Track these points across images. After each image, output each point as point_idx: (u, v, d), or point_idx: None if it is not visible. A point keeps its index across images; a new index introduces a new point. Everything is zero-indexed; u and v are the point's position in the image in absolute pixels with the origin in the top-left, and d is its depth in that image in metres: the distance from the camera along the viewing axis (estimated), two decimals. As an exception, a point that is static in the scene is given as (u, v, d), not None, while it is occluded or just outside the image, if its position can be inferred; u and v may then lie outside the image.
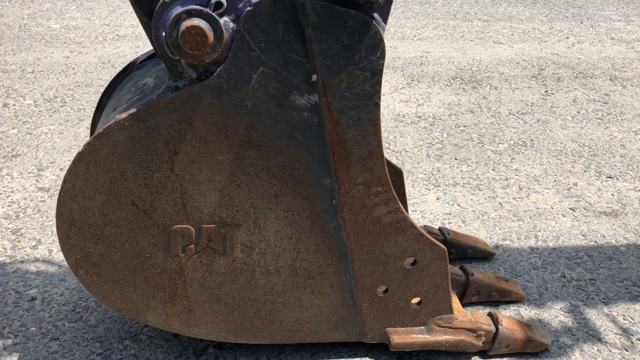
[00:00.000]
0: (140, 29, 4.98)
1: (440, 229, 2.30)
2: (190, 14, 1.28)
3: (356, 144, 1.50)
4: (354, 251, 1.63)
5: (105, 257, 1.54)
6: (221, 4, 1.29)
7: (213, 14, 1.29)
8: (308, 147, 1.48)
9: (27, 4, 5.67)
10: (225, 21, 1.32)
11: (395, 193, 1.59)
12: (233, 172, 1.49)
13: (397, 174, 2.11)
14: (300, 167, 1.50)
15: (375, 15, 1.37)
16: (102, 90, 3.77)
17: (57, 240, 2.29)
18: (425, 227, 2.28)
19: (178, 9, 1.28)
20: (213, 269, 1.60)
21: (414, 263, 1.69)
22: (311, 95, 1.42)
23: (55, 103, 3.54)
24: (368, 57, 1.40)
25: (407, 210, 2.18)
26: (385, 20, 1.39)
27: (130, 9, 5.65)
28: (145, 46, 4.63)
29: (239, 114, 1.43)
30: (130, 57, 4.38)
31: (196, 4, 1.30)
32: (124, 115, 1.40)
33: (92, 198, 1.47)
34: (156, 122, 1.41)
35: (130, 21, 5.26)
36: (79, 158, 1.43)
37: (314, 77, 1.40)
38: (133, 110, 1.40)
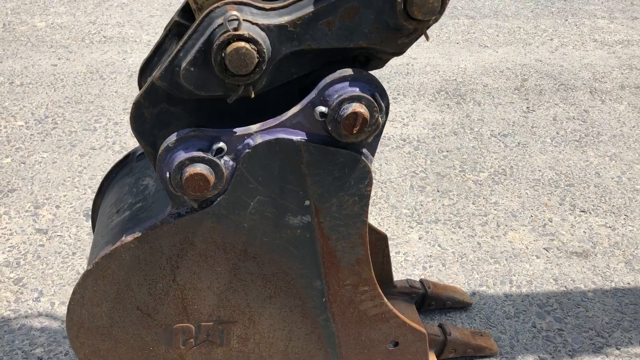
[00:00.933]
0: (127, 31, 4.96)
1: (421, 282, 2.45)
2: (193, 160, 1.37)
3: (345, 253, 1.62)
4: (341, 338, 1.78)
5: (112, 351, 1.67)
6: (222, 150, 1.39)
7: (215, 158, 1.38)
8: (301, 258, 1.60)
9: (9, -5, 5.58)
10: (225, 160, 1.41)
11: (380, 290, 1.73)
12: (230, 280, 1.61)
13: (381, 239, 2.24)
14: (293, 273, 1.63)
15: (364, 149, 1.47)
16: (92, 108, 3.81)
17: (58, 292, 2.41)
18: (407, 280, 2.43)
19: (182, 155, 1.37)
20: (211, 357, 1.74)
21: (396, 344, 1.84)
22: (304, 216, 1.54)
23: (47, 124, 3.58)
24: (357, 185, 1.51)
25: (391, 273, 2.32)
26: (373, 152, 1.49)
27: (116, 2, 5.59)
28: (132, 50, 4.63)
29: (236, 233, 1.54)
30: (118, 64, 4.39)
31: (198, 149, 1.39)
32: (129, 238, 1.51)
33: (99, 305, 1.59)
34: (159, 244, 1.52)
35: (117, 18, 5.22)
36: (88, 274, 1.54)
37: (307, 202, 1.51)
38: (138, 233, 1.50)
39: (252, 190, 1.47)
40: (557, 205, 3.18)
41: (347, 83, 1.38)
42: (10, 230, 2.74)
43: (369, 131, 1.39)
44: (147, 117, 1.43)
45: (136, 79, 4.14)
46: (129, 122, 1.45)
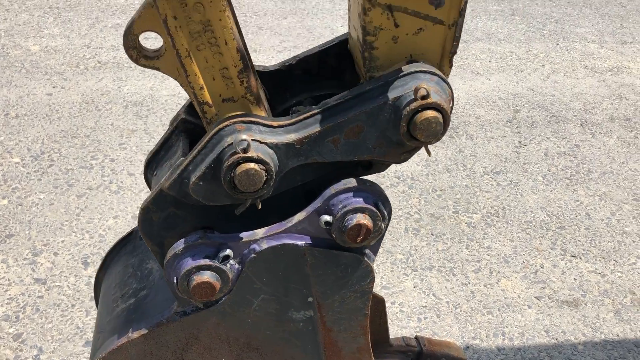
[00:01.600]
0: (121, 56, 4.95)
1: (417, 339, 2.51)
2: (200, 268, 1.40)
3: (346, 343, 1.67)
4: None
5: None
6: (229, 257, 1.42)
7: (221, 265, 1.41)
8: (303, 348, 1.65)
9: (2, 15, 5.54)
10: (231, 264, 1.45)
11: (378, 372, 1.78)
12: (234, 368, 1.65)
13: (379, 303, 2.29)
14: (295, 360, 1.67)
15: (367, 250, 1.51)
16: (87, 142, 3.82)
17: (58, 349, 2.44)
18: (403, 338, 2.48)
19: (189, 263, 1.41)
20: None
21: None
22: (307, 311, 1.58)
23: (43, 161, 3.59)
24: (359, 283, 1.55)
25: (387, 333, 2.37)
26: (375, 252, 1.53)
27: (110, 22, 5.57)
28: (127, 78, 4.63)
29: (240, 328, 1.57)
30: (114, 94, 4.40)
31: (205, 256, 1.42)
32: (136, 335, 1.54)
33: (106, 392, 1.62)
34: (165, 339, 1.55)
35: (111, 41, 5.21)
36: (95, 368, 1.57)
37: (310, 299, 1.55)
38: (144, 330, 1.54)
39: (257, 290, 1.50)
40: (549, 249, 3.24)
41: (351, 194, 1.41)
42: (9, 280, 2.76)
43: (372, 238, 1.43)
44: (155, 220, 1.46)
45: (132, 111, 4.16)
46: (137, 224, 1.48)
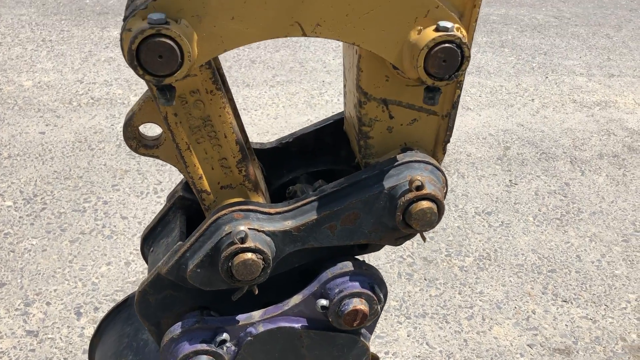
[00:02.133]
0: (114, 91, 4.97)
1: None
2: (197, 353, 1.41)
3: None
4: None
5: None
6: (225, 340, 1.43)
7: (218, 349, 1.42)
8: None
9: (-5, 49, 5.55)
10: (227, 347, 1.45)
11: None
12: None
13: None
14: None
15: (363, 330, 1.52)
16: (80, 184, 3.82)
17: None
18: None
19: (186, 347, 1.41)
20: None
21: None
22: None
23: (36, 204, 3.58)
24: (354, 361, 1.56)
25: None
26: (371, 331, 1.55)
27: (103, 56, 5.60)
28: (120, 115, 4.64)
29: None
30: (106, 132, 4.40)
31: (202, 340, 1.43)
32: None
33: None
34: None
35: (104, 76, 5.22)
36: None
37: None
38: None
39: (254, 372, 1.51)
40: (540, 294, 3.27)
41: (347, 277, 1.43)
42: (0, 332, 2.74)
43: (368, 321, 1.45)
44: (152, 302, 1.47)
45: (125, 149, 4.16)
46: (134, 306, 1.49)
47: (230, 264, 1.31)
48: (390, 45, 1.21)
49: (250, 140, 1.61)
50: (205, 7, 1.11)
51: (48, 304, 2.91)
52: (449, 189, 4.14)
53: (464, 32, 1.20)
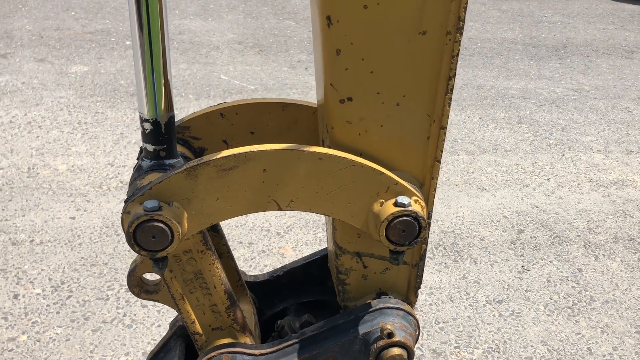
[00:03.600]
0: (143, 175, 5.25)
1: None
2: None
3: None
4: None
5: None
6: None
7: None
8: None
9: (35, 132, 5.95)
10: None
11: None
12: None
13: None
14: None
15: None
16: (105, 271, 4.03)
17: None
18: None
19: None
20: None
21: None
22: None
23: (62, 292, 3.79)
24: None
25: None
26: None
27: (134, 138, 5.93)
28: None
29: None
30: (132, 217, 4.64)
31: None
32: None
33: None
34: None
35: (133, 159, 5.53)
36: None
37: None
38: None
39: None
40: (548, 391, 3.28)
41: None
42: None
43: None
44: None
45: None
46: None
47: (217, 405, 1.45)
48: (357, 215, 1.37)
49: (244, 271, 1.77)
50: (194, 191, 1.29)
51: (68, 396, 3.07)
52: (461, 275, 4.22)
53: (422, 204, 1.36)
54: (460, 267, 4.30)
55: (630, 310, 3.94)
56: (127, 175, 5.25)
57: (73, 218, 4.60)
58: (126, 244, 4.35)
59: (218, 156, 1.28)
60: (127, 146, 5.79)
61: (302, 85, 7.80)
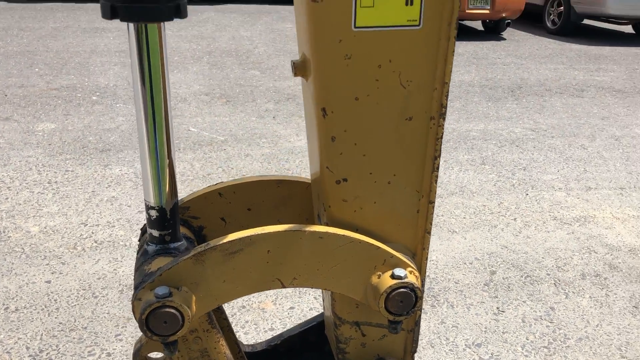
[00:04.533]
0: (117, 233, 5.24)
1: None
2: None
3: None
4: None
5: None
6: None
7: None
8: None
9: (4, 194, 5.88)
10: None
11: None
12: None
13: None
14: None
15: None
16: (85, 335, 3.98)
17: None
18: None
19: None
20: None
21: None
22: None
23: (41, 361, 3.72)
24: None
25: None
26: None
27: (106, 196, 5.91)
28: (122, 258, 4.87)
29: None
30: (110, 278, 4.61)
31: None
32: None
33: None
34: None
35: (106, 217, 5.51)
36: None
37: None
38: None
39: None
40: None
41: None
42: None
43: None
44: None
45: (127, 296, 4.35)
46: None
47: None
48: (356, 288, 1.45)
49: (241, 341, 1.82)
50: (202, 275, 1.36)
51: None
52: (439, 320, 4.31)
53: (416, 274, 1.46)
54: (437, 312, 4.40)
55: (603, 346, 4.08)
56: (101, 235, 5.23)
57: (49, 282, 4.54)
58: (104, 306, 4.30)
59: (224, 240, 1.35)
60: (100, 204, 5.77)
61: (272, 135, 7.94)
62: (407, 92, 1.35)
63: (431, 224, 1.49)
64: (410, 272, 1.44)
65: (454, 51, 1.34)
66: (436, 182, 1.45)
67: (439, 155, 1.44)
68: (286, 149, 7.45)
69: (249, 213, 1.66)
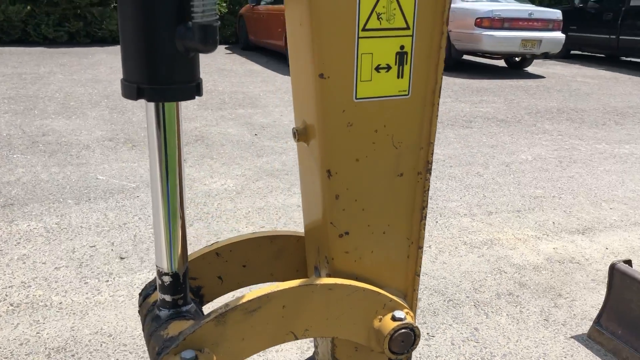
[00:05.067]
0: (34, 292, 4.94)
1: None
2: None
3: None
4: None
5: None
6: None
7: None
8: None
9: None
10: None
11: None
12: None
13: None
14: None
15: None
16: (15, 408, 3.71)
17: None
18: None
19: None
20: None
21: None
22: None
23: None
24: None
25: None
26: None
27: (16, 254, 5.56)
28: (44, 320, 4.61)
29: None
30: (33, 344, 4.35)
31: None
32: None
33: None
34: None
35: (20, 277, 5.19)
36: None
37: None
38: None
39: None
40: None
41: None
42: None
43: None
44: None
45: (55, 357, 4.13)
46: None
47: None
48: (360, 332, 1.58)
49: None
50: (222, 335, 1.42)
51: None
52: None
53: (411, 314, 1.61)
54: None
55: (525, 359, 4.44)
56: (16, 297, 4.92)
57: (-37, 354, 4.20)
58: (31, 373, 4.04)
59: (244, 300, 1.43)
60: (10, 264, 5.43)
61: (185, 178, 7.85)
62: (398, 152, 1.52)
63: (420, 267, 1.65)
64: (407, 313, 1.59)
65: (437, 115, 1.53)
66: (424, 229, 1.62)
67: (426, 206, 1.61)
68: (202, 192, 7.41)
69: (244, 270, 1.73)
